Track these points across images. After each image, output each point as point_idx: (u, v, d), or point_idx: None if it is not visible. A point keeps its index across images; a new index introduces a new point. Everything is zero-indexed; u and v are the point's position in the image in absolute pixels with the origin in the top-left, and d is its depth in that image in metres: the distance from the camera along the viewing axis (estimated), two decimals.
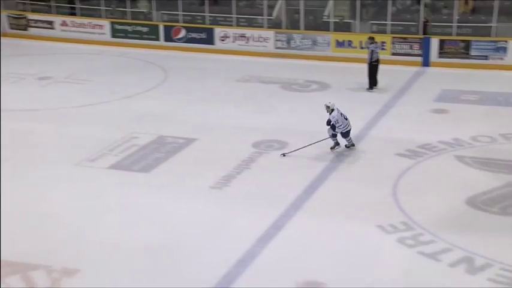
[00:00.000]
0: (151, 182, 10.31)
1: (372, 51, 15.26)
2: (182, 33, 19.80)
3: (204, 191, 9.92)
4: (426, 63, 17.57)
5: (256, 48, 19.08)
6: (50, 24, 21.22)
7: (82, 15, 21.19)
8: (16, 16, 21.44)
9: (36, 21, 21.33)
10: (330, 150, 11.28)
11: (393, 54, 17.75)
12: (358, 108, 13.86)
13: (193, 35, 19.70)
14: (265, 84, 16.12)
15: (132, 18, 20.73)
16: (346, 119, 11.06)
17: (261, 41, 19.09)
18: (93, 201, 9.56)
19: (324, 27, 18.71)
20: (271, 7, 19.47)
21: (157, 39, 20.06)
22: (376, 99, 14.68)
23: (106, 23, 20.61)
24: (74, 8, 21.42)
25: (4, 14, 21.47)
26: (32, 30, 21.35)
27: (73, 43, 20.55)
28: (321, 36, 18.46)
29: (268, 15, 19.39)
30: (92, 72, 17.21)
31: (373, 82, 15.40)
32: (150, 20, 20.50)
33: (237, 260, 7.92)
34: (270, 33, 19.02)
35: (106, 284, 7.44)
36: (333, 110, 11.07)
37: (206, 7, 19.87)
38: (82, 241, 8.39)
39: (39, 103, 14.53)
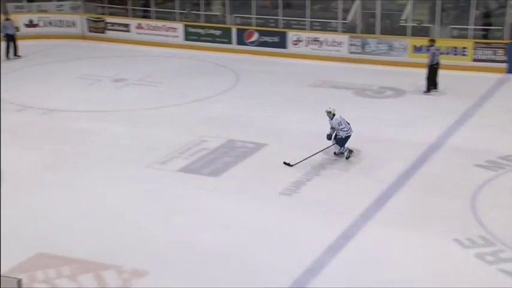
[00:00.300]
0: (220, 186, 10.40)
1: (433, 53, 15.21)
2: (255, 37, 19.94)
3: (273, 197, 9.91)
4: (511, 70, 16.86)
5: (329, 52, 18.93)
6: (126, 27, 21.92)
7: (157, 18, 21.78)
8: (95, 19, 22.28)
9: (113, 24, 22.09)
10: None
11: (475, 60, 17.13)
12: (435, 116, 13.46)
13: (266, 38, 19.79)
14: (338, 90, 15.95)
15: (206, 21, 21.08)
16: (349, 124, 11.02)
17: (335, 46, 18.92)
18: (163, 204, 9.74)
19: (401, 31, 18.32)
20: (346, 11, 19.27)
21: (229, 42, 20.30)
22: (455, 107, 14.20)
23: (180, 26, 21.06)
24: (149, 11, 22.06)
25: (84, 17, 22.38)
26: (109, 33, 22.12)
27: (147, 46, 21.12)
28: (397, 41, 18.09)
29: (343, 19, 19.20)
30: (164, 74, 17.61)
31: (432, 85, 15.28)
32: (223, 23, 20.79)
33: (306, 268, 7.84)
34: (344, 38, 18.83)
35: (175, 286, 7.54)
36: (334, 115, 11.02)
37: (279, 10, 19.92)
38: (151, 243, 8.55)
39: (113, 105, 15.02)
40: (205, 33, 20.72)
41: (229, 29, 20.36)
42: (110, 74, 17.67)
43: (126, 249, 8.38)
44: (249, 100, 15.15)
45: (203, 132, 12.76)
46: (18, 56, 19.40)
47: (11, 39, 19.28)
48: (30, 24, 22.18)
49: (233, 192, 10.14)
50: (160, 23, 21.38)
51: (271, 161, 11.24)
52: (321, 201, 9.74)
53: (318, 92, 15.79)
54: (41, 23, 22.30)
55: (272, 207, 9.59)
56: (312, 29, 19.46)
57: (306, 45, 19.24)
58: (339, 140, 11.10)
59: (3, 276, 5.83)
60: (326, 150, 11.24)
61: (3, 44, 19.28)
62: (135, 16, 22.13)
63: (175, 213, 9.43)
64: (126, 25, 21.90)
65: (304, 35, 19.30)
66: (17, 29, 20.17)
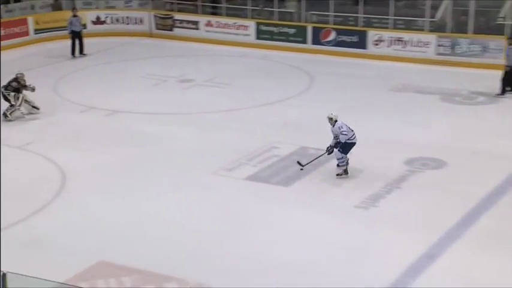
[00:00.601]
0: (290, 197, 10.40)
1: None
2: (332, 36, 19.84)
3: (348, 210, 9.81)
4: None
5: (414, 53, 18.57)
6: (194, 25, 22.34)
7: (227, 15, 22.08)
8: (163, 16, 22.85)
9: (182, 21, 22.55)
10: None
11: None
12: None
13: (344, 37, 19.65)
14: (422, 95, 15.62)
15: (279, 19, 21.19)
16: (352, 131, 10.84)
17: (421, 46, 18.54)
18: (229, 214, 9.84)
19: (498, 30, 17.72)
20: (434, 8, 18.86)
21: (304, 41, 20.29)
22: None
23: (251, 24, 21.25)
24: (219, 8, 22.39)
25: (152, 14, 22.99)
26: (177, 31, 22.60)
27: (216, 44, 21.40)
28: (493, 42, 17.51)
29: (431, 17, 18.80)
30: (233, 75, 17.81)
31: (507, 86, 14.89)
32: (298, 21, 20.80)
33: None
34: (431, 37, 18.42)
35: None
36: (336, 121, 10.87)
37: (360, 7, 19.72)
38: (216, 255, 8.65)
39: (179, 107, 15.34)
40: (278, 31, 20.82)
41: (304, 28, 20.35)
42: (177, 74, 18.05)
43: (189, 261, 8.50)
44: (323, 105, 15.03)
45: (273, 138, 12.81)
46: (84, 55, 20.17)
47: (77, 36, 20.04)
48: (97, 21, 22.99)
49: (304, 204, 10.10)
50: (230, 21, 21.66)
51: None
52: (400, 216, 9.56)
53: (400, 97, 15.52)
54: (108, 20, 23.07)
55: (347, 222, 9.49)
56: (395, 27, 19.16)
57: (388, 46, 18.96)
58: (341, 146, 10.78)
59: (64, 284, 6.07)
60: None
61: (70, 40, 20.04)
62: (204, 13, 22.53)
63: (242, 224, 9.49)
64: (195, 22, 22.32)
65: (387, 34, 19.03)
66: (84, 26, 20.98)
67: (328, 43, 19.91)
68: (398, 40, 18.84)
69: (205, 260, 8.53)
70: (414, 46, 18.62)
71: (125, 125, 13.90)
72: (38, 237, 9.23)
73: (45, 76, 17.62)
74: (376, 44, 19.19)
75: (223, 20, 21.84)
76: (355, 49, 19.38)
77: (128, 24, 23.14)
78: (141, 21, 23.10)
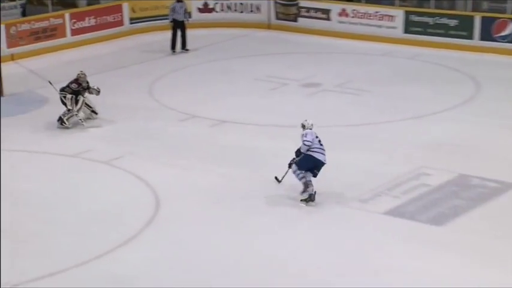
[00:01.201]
0: (443, 240, 10.16)
1: None
2: (509, 29, 19.26)
3: None
4: None
5: None
6: (325, 14, 22.40)
7: (367, 2, 21.98)
8: (285, 3, 23.08)
9: (309, 9, 22.70)
10: None
11: None
12: None
13: None
14: None
15: (436, 7, 20.83)
16: (321, 146, 11.25)
17: None
18: (360, 259, 9.74)
19: None
20: None
21: (470, 36, 19.85)
22: None
23: (398, 13, 21.04)
24: None
25: (271, 0, 23.22)
26: (303, 21, 22.78)
27: (351, 39, 21.36)
28: None
29: None
30: (371, 80, 17.68)
31: None
32: (463, 9, 20.35)
33: None
34: None
35: None
36: (306, 128, 11.39)
37: None
38: None
39: (301, 117, 15.12)
40: (434, 23, 20.49)
41: (470, 18, 19.93)
42: (300, 77, 18.16)
43: None
44: (492, 120, 14.60)
45: (423, 162, 12.61)
46: (186, 50, 20.77)
47: (179, 26, 20.59)
48: (205, 9, 23.63)
49: (462, 251, 9.84)
50: (372, 9, 21.58)
51: None
52: None
53: None
54: (218, 8, 23.63)
55: None
56: None
57: None
58: (301, 158, 11.20)
59: None
60: None
61: (170, 32, 20.59)
62: None
63: (377, 273, 9.36)
64: (326, 11, 22.40)
65: None
66: (189, 14, 21.52)
67: (503, 38, 19.39)
68: None
69: None
70: None
71: (233, 139, 14.14)
72: (125, 274, 9.54)
73: (140, 76, 18.37)
74: None
75: (362, 8, 21.81)
76: None
77: (241, 12, 23.61)
78: (258, 9, 23.50)
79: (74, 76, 14.87)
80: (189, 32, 20.86)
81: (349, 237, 10.34)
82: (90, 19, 21.69)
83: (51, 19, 20.90)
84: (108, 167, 12.93)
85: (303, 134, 11.36)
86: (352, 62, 19.51)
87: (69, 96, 14.63)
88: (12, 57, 19.66)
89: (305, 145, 11.21)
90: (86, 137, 14.30)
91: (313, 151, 11.23)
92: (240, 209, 11.26)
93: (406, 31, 20.91)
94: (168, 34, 20.67)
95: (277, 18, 23.26)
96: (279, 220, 10.88)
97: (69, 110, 14.67)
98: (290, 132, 14.43)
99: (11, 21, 20.23)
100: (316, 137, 11.34)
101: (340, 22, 22.09)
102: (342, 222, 10.78)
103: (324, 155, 11.26)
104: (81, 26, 21.45)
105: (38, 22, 20.57)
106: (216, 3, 23.57)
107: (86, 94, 14.90)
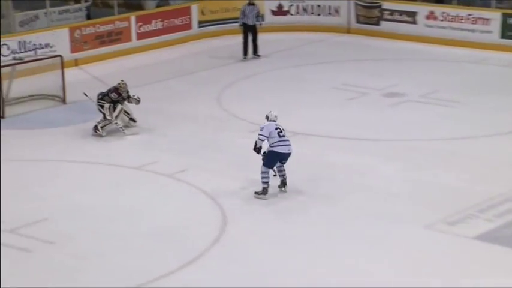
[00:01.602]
0: None
1: None
2: None
3: None
4: None
5: None
6: (411, 17, 22.19)
7: (458, 4, 21.68)
8: (367, 4, 22.94)
9: (393, 11, 22.53)
10: None
11: None
12: None
13: None
14: None
15: None
16: (282, 136, 12.12)
17: None
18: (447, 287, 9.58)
19: None
20: None
21: None
22: None
23: (495, 16, 20.73)
24: None
25: (352, 1, 23.06)
26: (386, 25, 22.63)
27: (441, 45, 21.19)
28: None
29: None
30: (461, 90, 17.48)
31: None
32: None
33: None
34: None
35: None
36: (269, 120, 12.31)
37: None
38: None
39: (383, 131, 15.26)
40: None
41: None
42: (381, 86, 18.06)
43: None
44: None
45: None
46: (258, 56, 20.87)
47: (250, 30, 20.70)
48: (279, 11, 23.71)
49: None
50: (464, 11, 21.35)
51: None
52: None
53: None
54: (293, 10, 23.68)
55: None
56: None
57: None
58: (264, 154, 12.20)
59: None
60: None
61: (241, 36, 20.70)
62: (425, 0, 22.35)
63: None
64: (412, 13, 22.21)
65: None
66: (262, 17, 21.51)
67: None
68: None
69: None
70: None
71: (307, 153, 14.06)
72: None
73: (208, 83, 18.55)
74: None
75: (453, 10, 21.60)
76: None
77: (318, 15, 23.63)
78: (337, 11, 23.48)
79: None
80: (261, 36, 20.95)
81: (436, 263, 10.18)
82: (156, 22, 21.97)
83: (116, 22, 21.25)
84: (172, 181, 13.06)
85: (261, 128, 12.26)
86: (440, 70, 19.33)
87: (107, 105, 15.03)
88: (76, 63, 20.10)
89: (259, 139, 12.22)
90: (150, 148, 14.46)
91: (274, 145, 12.11)
92: (313, 229, 11.23)
93: (503, 36, 20.62)
94: (239, 38, 20.81)
95: (358, 21, 23.18)
96: (357, 241, 10.80)
97: (106, 118, 15.02)
98: (370, 146, 14.42)
99: (75, 24, 20.63)
100: (277, 128, 12.13)
101: (428, 26, 21.91)
102: (427, 247, 10.63)
103: (287, 145, 12.16)
104: (147, 29, 21.75)
105: (102, 25, 20.95)
106: (291, 5, 23.62)
107: (125, 103, 15.25)
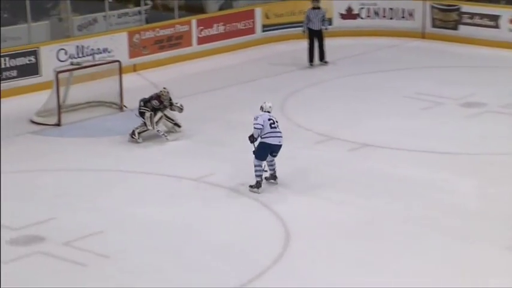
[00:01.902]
0: None
1: None
2: None
3: None
4: None
5: None
6: (493, 21, 21.97)
7: None
8: (444, 7, 22.77)
9: (473, 15, 22.32)
10: None
11: None
12: None
13: None
14: None
15: None
16: (274, 128, 12.74)
17: None
18: None
19: None
20: None
21: None
22: None
23: None
24: None
25: (427, 3, 22.94)
26: (465, 30, 22.45)
27: None
28: None
29: None
30: None
31: None
32: None
33: None
34: None
35: None
36: (263, 110, 12.94)
37: None
38: None
39: (460, 143, 15.16)
40: None
41: None
42: (459, 95, 17.92)
43: None
44: None
45: None
46: (325, 62, 20.87)
47: (315, 36, 20.66)
48: (348, 15, 23.67)
49: None
50: None
51: None
52: None
53: None
54: (363, 13, 23.63)
55: None
56: None
57: None
58: (257, 146, 12.79)
59: None
60: None
61: (307, 42, 20.73)
62: (509, 2, 22.09)
63: None
64: (494, 17, 22.02)
65: None
66: (329, 22, 21.52)
67: None
68: None
69: None
70: None
71: (377, 166, 14.08)
72: None
73: (271, 90, 18.54)
74: None
75: None
76: None
77: (391, 19, 23.55)
78: (411, 15, 23.38)
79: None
80: (329, 42, 20.96)
81: None
82: (218, 26, 22.18)
83: (176, 26, 21.48)
84: (233, 194, 13.18)
85: (255, 117, 12.83)
86: None
87: (148, 114, 15.36)
88: (135, 68, 20.41)
89: (255, 128, 12.75)
90: (208, 159, 14.58)
91: (265, 137, 12.75)
92: (380, 247, 11.21)
93: None
94: (305, 43, 20.84)
95: (434, 25, 23.06)
96: (426, 259, 10.76)
97: (145, 123, 15.34)
98: (447, 160, 14.33)
99: (134, 28, 20.92)
100: (270, 119, 12.77)
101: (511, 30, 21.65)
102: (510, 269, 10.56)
103: (278, 137, 12.81)
104: (208, 33, 21.95)
105: (162, 29, 21.20)
106: (362, 8, 23.58)
107: (167, 110, 15.55)
